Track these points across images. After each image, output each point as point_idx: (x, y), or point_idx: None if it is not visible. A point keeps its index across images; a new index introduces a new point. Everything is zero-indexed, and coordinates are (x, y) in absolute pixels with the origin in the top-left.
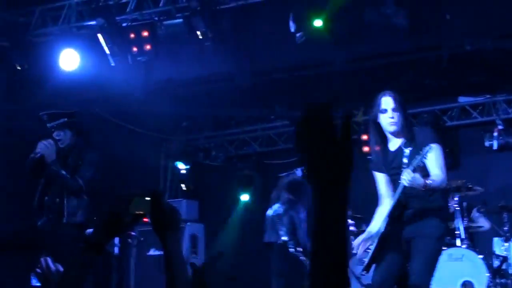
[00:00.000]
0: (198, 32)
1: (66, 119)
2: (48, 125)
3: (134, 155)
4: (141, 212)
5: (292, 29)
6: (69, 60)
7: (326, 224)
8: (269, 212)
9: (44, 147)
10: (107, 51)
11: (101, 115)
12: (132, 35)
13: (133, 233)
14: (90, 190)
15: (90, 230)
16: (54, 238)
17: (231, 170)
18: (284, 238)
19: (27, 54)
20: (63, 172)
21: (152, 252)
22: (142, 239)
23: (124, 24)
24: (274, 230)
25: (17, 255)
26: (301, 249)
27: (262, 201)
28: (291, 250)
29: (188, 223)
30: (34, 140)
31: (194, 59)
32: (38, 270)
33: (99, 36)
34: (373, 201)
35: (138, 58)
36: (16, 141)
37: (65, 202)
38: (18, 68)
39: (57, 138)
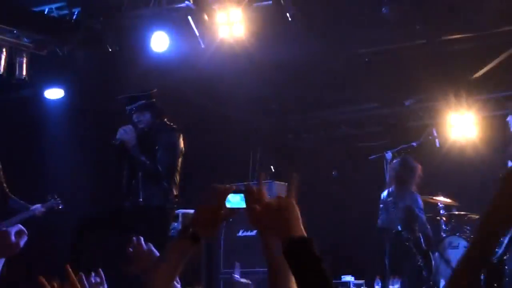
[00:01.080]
0: (288, 14)
1: (144, 101)
2: (127, 107)
3: (223, 137)
4: (239, 206)
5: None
6: (160, 41)
7: None
8: (384, 194)
9: (124, 133)
10: (197, 33)
11: (190, 97)
12: (222, 17)
13: None
14: (171, 174)
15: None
16: (135, 220)
17: (320, 152)
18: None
19: (118, 36)
20: (143, 158)
21: (241, 233)
22: (231, 220)
23: (214, 6)
24: (389, 217)
25: (106, 235)
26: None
27: (351, 183)
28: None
29: None
30: (125, 122)
31: (283, 41)
32: (131, 249)
33: (189, 18)
34: None
35: (228, 40)
36: (108, 122)
37: (140, 185)
38: (110, 50)
39: (136, 120)
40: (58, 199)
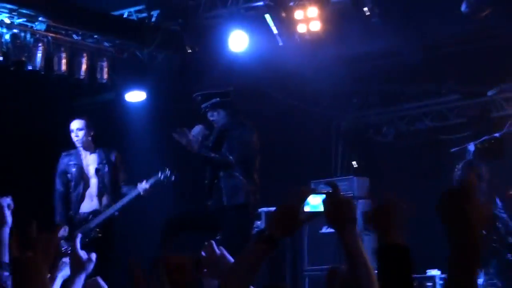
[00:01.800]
0: (365, 8)
1: (219, 99)
2: (202, 106)
3: (304, 133)
4: (318, 210)
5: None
6: (238, 41)
7: None
8: None
9: (197, 132)
10: (275, 31)
11: (270, 95)
12: (299, 14)
13: None
14: (246, 169)
15: (262, 209)
16: (218, 220)
17: (402, 146)
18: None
19: (197, 37)
20: (212, 154)
21: (325, 230)
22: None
23: (291, 3)
24: None
25: (191, 236)
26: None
27: (434, 176)
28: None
29: (360, 200)
30: (200, 123)
31: (361, 36)
32: (203, 253)
33: (267, 16)
34: None
35: (306, 37)
36: (187, 123)
37: (222, 184)
38: (189, 51)
39: (211, 118)
40: (167, 170)
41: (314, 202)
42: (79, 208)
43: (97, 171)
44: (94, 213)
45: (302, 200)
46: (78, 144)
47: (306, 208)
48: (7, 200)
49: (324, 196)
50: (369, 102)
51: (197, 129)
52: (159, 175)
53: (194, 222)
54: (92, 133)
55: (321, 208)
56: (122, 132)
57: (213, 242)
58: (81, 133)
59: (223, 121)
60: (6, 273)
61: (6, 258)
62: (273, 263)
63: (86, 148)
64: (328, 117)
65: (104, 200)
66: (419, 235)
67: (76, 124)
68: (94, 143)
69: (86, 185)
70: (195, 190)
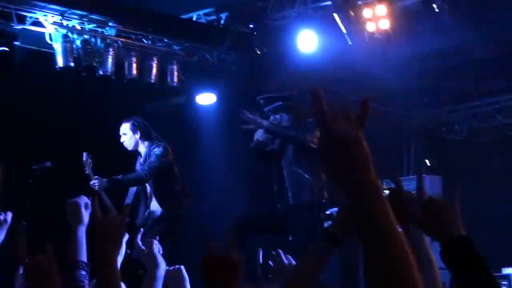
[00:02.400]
0: (435, 5)
1: (281, 102)
2: (265, 109)
3: (376, 132)
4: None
5: None
6: (307, 41)
7: None
8: None
9: (260, 134)
10: (344, 30)
11: (340, 95)
12: (368, 13)
13: None
14: (312, 166)
15: (332, 210)
16: (286, 221)
17: (475, 143)
18: None
19: (266, 38)
20: (290, 132)
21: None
22: None
23: (360, 2)
24: None
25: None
26: None
27: (509, 173)
28: None
29: None
30: None
31: (431, 33)
32: (271, 263)
33: (335, 15)
34: None
35: (375, 36)
36: None
37: (287, 184)
38: (258, 52)
39: (274, 122)
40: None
41: None
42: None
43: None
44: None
45: None
46: (128, 148)
47: None
48: (85, 199)
49: (387, 192)
50: (441, 100)
51: (260, 132)
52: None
53: (262, 224)
54: (138, 134)
55: None
56: (193, 135)
57: (281, 252)
58: (125, 138)
59: (286, 124)
60: (83, 272)
61: (83, 257)
62: (346, 258)
63: (137, 149)
64: (399, 116)
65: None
66: (494, 232)
67: (121, 129)
68: (148, 140)
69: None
70: (266, 193)
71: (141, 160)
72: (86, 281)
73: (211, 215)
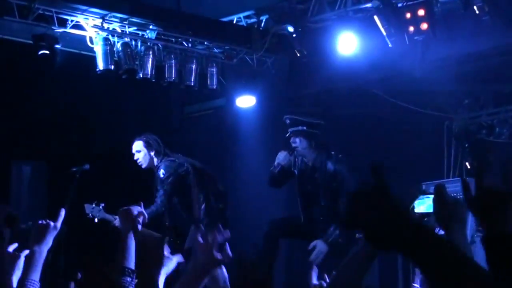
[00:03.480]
0: (475, 7)
1: (305, 127)
2: (289, 129)
3: (416, 135)
4: (426, 212)
5: None
6: (347, 44)
7: None
8: None
9: (282, 158)
10: (384, 33)
11: (380, 97)
12: (408, 15)
13: None
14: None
15: None
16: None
17: None
18: None
19: (306, 41)
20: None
21: (436, 230)
22: None
23: (399, 4)
24: None
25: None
26: None
27: None
28: None
29: None
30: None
31: (471, 35)
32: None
33: (375, 18)
34: None
35: (415, 38)
36: None
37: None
38: (298, 55)
39: (292, 144)
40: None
41: (426, 203)
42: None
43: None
44: None
45: (411, 201)
46: (142, 166)
47: (417, 209)
48: (138, 208)
49: (431, 197)
50: (481, 102)
51: (283, 154)
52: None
53: (293, 229)
54: (153, 151)
55: (429, 210)
56: (233, 137)
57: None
58: (139, 155)
59: (304, 150)
60: (129, 279)
61: (131, 264)
62: (385, 265)
63: (152, 167)
64: (439, 118)
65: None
66: None
67: (134, 147)
68: (161, 157)
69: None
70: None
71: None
72: None
73: (250, 219)
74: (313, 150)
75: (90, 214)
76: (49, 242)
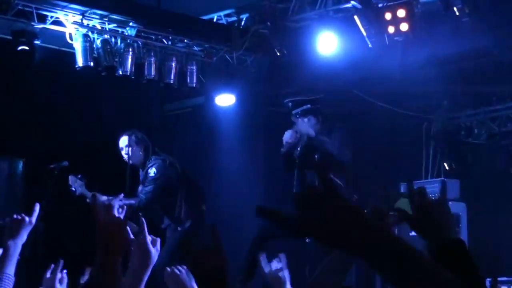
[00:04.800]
0: (455, 8)
1: (309, 105)
2: (292, 111)
3: (394, 135)
4: (406, 214)
5: None
6: (327, 44)
7: None
8: None
9: (289, 136)
10: (364, 33)
11: (360, 97)
12: (388, 15)
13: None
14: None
15: None
16: None
17: (494, 148)
18: None
19: (286, 40)
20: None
21: (414, 233)
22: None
23: (380, 5)
24: None
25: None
26: None
27: None
28: None
29: (450, 202)
30: (289, 126)
31: (451, 36)
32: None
33: (356, 18)
34: None
35: (395, 38)
36: (276, 126)
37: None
38: (278, 54)
39: (300, 125)
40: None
41: (404, 205)
42: None
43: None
44: None
45: (391, 204)
46: (129, 162)
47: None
48: (118, 202)
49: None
50: (460, 103)
51: (289, 133)
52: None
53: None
54: (142, 147)
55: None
56: (212, 136)
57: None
58: (129, 150)
59: (313, 127)
60: None
61: None
62: (361, 264)
63: (139, 165)
64: (419, 119)
65: None
66: None
67: (122, 141)
68: (149, 154)
69: None
70: (284, 196)
71: (142, 174)
72: None
73: (229, 216)
74: (321, 124)
75: (72, 187)
76: (23, 236)
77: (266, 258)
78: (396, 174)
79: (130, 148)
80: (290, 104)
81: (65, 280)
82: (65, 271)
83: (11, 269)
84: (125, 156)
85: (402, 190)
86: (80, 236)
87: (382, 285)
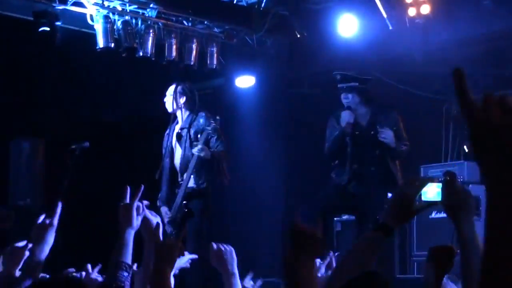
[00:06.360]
0: None
1: (357, 83)
2: (338, 85)
3: (415, 118)
4: (434, 200)
5: None
6: (348, 26)
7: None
8: None
9: (349, 116)
10: (385, 15)
11: (381, 79)
12: None
13: None
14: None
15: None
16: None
17: None
18: None
19: (306, 22)
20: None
21: (434, 214)
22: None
23: None
24: None
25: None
26: None
27: None
28: None
29: (470, 185)
30: (314, 108)
31: (472, 18)
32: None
33: (377, 0)
34: None
35: (416, 20)
36: (296, 108)
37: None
38: (298, 35)
39: (344, 100)
40: None
41: (431, 191)
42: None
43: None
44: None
45: (418, 189)
46: (168, 110)
47: (423, 198)
48: (137, 203)
49: (440, 185)
50: (481, 86)
51: (347, 113)
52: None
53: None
54: (184, 99)
55: (437, 198)
56: (232, 117)
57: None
58: (168, 99)
59: (355, 106)
60: (126, 274)
61: (128, 259)
62: (380, 254)
63: (176, 114)
64: (439, 101)
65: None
66: None
67: (169, 89)
68: (190, 109)
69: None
70: (305, 179)
71: (180, 127)
72: (128, 283)
73: (250, 199)
74: (364, 106)
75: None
76: (49, 240)
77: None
78: (416, 156)
79: (170, 97)
80: (338, 76)
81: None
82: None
83: (39, 273)
84: (165, 103)
85: (422, 174)
86: (101, 218)
87: (402, 269)
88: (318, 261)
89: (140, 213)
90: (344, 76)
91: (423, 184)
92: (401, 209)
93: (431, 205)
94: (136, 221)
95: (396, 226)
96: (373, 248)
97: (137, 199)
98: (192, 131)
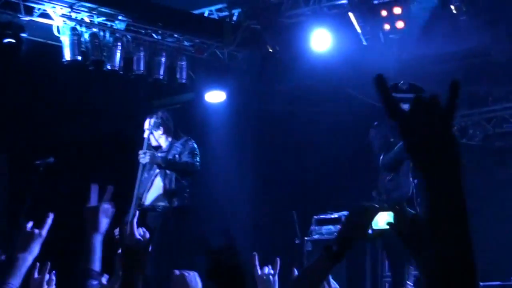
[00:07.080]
0: (452, 7)
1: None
2: (403, 95)
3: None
4: (384, 228)
5: None
6: (321, 40)
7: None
8: None
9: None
10: (359, 30)
11: (353, 95)
12: (384, 12)
13: None
14: None
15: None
16: None
17: (489, 149)
18: None
19: (278, 36)
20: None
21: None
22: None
23: (375, 2)
24: None
25: None
26: None
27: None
28: None
29: None
30: (280, 123)
31: (448, 35)
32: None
33: (350, 15)
34: None
35: (390, 36)
36: (267, 124)
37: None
38: (270, 50)
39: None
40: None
41: (381, 220)
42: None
43: None
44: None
45: (369, 219)
46: (151, 144)
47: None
48: (104, 206)
49: (391, 213)
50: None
51: (374, 132)
52: None
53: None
54: (161, 130)
55: (386, 226)
56: (201, 133)
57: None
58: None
59: None
60: (95, 282)
61: (97, 267)
62: (353, 268)
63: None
64: None
65: None
66: (504, 242)
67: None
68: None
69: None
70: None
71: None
72: None
73: (218, 214)
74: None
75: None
76: (34, 250)
77: (259, 262)
78: None
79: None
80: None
81: (53, 282)
82: (53, 272)
83: (17, 281)
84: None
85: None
86: (67, 235)
87: (372, 285)
88: (268, 267)
89: (109, 216)
90: (412, 87)
91: (374, 214)
92: (352, 238)
93: (382, 233)
94: (105, 225)
95: (346, 251)
96: (322, 273)
97: (106, 201)
98: (169, 156)
